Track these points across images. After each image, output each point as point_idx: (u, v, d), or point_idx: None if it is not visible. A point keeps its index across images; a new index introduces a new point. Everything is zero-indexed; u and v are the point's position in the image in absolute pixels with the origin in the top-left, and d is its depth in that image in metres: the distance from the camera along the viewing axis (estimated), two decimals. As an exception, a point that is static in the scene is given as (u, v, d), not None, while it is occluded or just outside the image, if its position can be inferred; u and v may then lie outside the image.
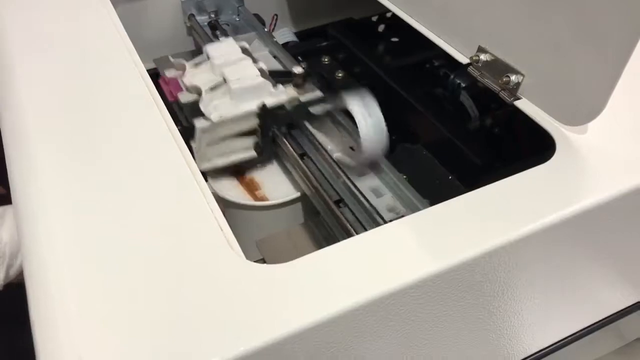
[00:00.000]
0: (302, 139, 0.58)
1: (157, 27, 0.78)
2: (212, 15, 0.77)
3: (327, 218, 0.51)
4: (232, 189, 0.61)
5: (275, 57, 0.67)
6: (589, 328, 0.55)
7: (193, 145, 0.54)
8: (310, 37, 0.82)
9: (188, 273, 0.34)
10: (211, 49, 0.59)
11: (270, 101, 0.56)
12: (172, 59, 0.62)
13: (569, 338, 0.54)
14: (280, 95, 0.57)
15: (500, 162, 0.52)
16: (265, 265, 0.35)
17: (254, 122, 0.57)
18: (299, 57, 0.68)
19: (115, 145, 0.43)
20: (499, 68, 0.49)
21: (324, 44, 0.75)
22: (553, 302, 0.48)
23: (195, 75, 0.58)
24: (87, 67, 0.51)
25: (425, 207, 0.52)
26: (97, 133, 0.44)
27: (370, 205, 0.49)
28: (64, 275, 0.35)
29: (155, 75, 0.75)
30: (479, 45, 0.51)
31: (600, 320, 0.56)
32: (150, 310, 0.32)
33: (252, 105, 0.55)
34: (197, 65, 0.60)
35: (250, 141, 0.58)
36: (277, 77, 0.58)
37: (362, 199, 0.50)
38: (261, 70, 0.57)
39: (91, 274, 0.34)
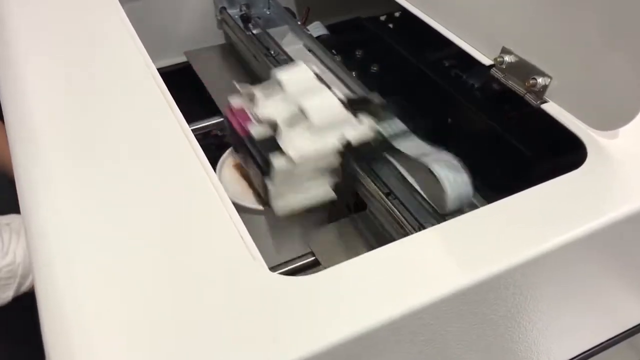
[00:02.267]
0: (387, 176, 0.51)
1: (188, 20, 0.77)
2: (244, 8, 0.76)
3: (377, 211, 0.49)
4: (242, 193, 0.59)
5: (342, 82, 0.61)
6: (609, 341, 0.53)
7: (269, 185, 0.49)
8: (340, 31, 0.80)
9: (208, 285, 0.32)
10: (283, 75, 0.53)
11: (354, 136, 0.50)
12: (238, 86, 0.54)
13: (591, 351, 0.52)
14: (365, 129, 0.51)
15: (527, 166, 0.51)
16: (290, 277, 0.33)
17: (335, 160, 0.51)
18: (333, 51, 0.67)
19: (127, 151, 0.41)
20: (525, 70, 0.47)
21: (357, 37, 0.72)
22: (578, 314, 0.47)
23: (267, 106, 0.52)
24: (96, 69, 0.49)
25: (478, 200, 0.50)
26: (109, 138, 0.42)
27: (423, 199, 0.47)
28: (78, 283, 0.32)
29: (185, 69, 0.76)
30: (503, 46, 0.49)
31: (620, 334, 0.54)
32: (169, 324, 0.30)
33: (334, 140, 0.49)
34: (267, 93, 0.53)
35: (327, 180, 0.52)
36: (353, 105, 0.52)
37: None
38: (340, 101, 0.52)
39: (106, 284, 0.32)
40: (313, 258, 0.54)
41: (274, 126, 0.50)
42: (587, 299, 0.46)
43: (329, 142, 0.49)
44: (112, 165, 0.40)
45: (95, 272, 0.33)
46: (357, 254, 0.35)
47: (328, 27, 0.81)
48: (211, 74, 0.74)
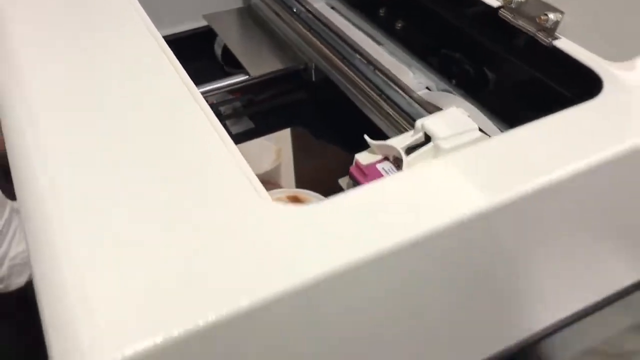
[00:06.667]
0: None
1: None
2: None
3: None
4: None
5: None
6: (607, 299, 0.51)
7: None
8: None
9: (208, 220, 0.30)
10: (432, 124, 0.43)
11: None
12: (370, 141, 0.45)
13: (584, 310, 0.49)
14: None
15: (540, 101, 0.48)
16: (298, 207, 0.31)
17: None
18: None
19: (127, 105, 0.38)
20: (535, 8, 0.46)
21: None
22: (577, 264, 0.44)
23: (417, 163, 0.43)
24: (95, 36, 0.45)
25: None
26: (109, 101, 0.39)
27: None
28: (69, 219, 0.30)
29: (208, 32, 0.75)
30: (512, -14, 0.47)
31: (617, 292, 0.51)
32: (170, 259, 0.28)
33: None
34: (413, 149, 0.44)
35: None
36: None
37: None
38: None
39: (101, 225, 0.30)
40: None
41: None
42: (591, 246, 0.44)
43: None
44: (110, 126, 0.37)
45: (89, 214, 0.30)
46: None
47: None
48: (233, 35, 0.75)
